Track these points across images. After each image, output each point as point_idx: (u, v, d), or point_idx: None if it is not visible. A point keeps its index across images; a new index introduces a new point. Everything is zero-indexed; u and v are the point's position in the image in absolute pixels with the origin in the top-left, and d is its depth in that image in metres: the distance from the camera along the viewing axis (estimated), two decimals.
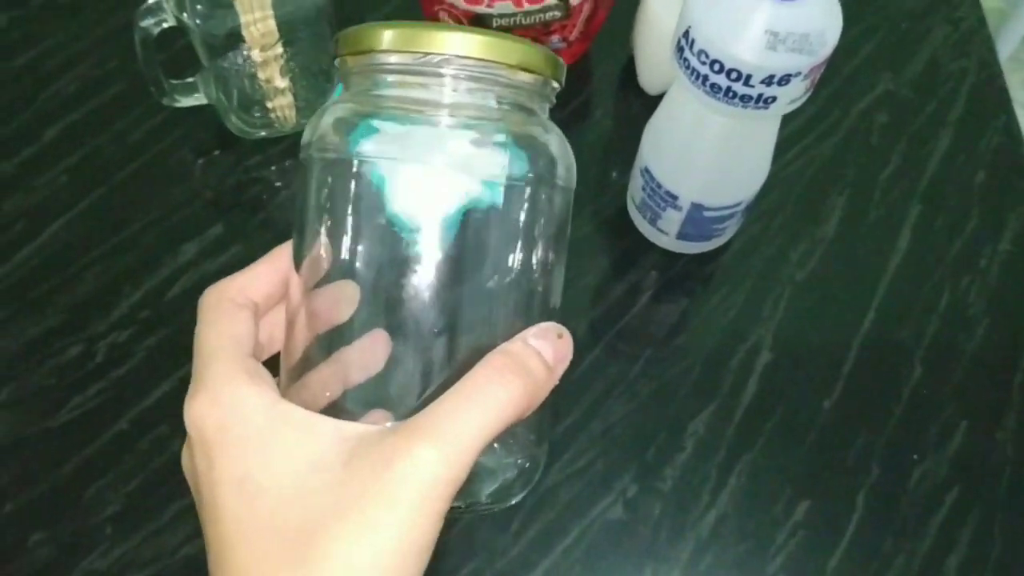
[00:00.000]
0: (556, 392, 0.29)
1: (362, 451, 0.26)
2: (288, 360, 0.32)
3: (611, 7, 0.59)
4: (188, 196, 0.56)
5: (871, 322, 0.55)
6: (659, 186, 0.51)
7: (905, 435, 0.52)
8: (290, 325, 0.32)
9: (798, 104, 0.44)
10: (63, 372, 0.51)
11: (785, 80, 0.42)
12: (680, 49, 0.44)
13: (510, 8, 0.56)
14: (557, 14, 0.57)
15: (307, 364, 0.31)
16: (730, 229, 0.54)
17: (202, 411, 0.28)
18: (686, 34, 0.43)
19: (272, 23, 0.50)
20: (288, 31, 0.52)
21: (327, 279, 0.30)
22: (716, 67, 0.42)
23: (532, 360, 0.28)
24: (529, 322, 0.30)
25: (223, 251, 0.55)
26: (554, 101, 0.33)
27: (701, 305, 0.55)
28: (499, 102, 0.30)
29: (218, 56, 0.52)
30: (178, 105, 0.56)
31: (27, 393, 0.51)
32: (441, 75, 0.29)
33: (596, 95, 0.63)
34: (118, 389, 0.51)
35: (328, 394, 0.30)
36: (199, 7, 0.49)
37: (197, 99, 0.56)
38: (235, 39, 0.51)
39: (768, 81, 0.42)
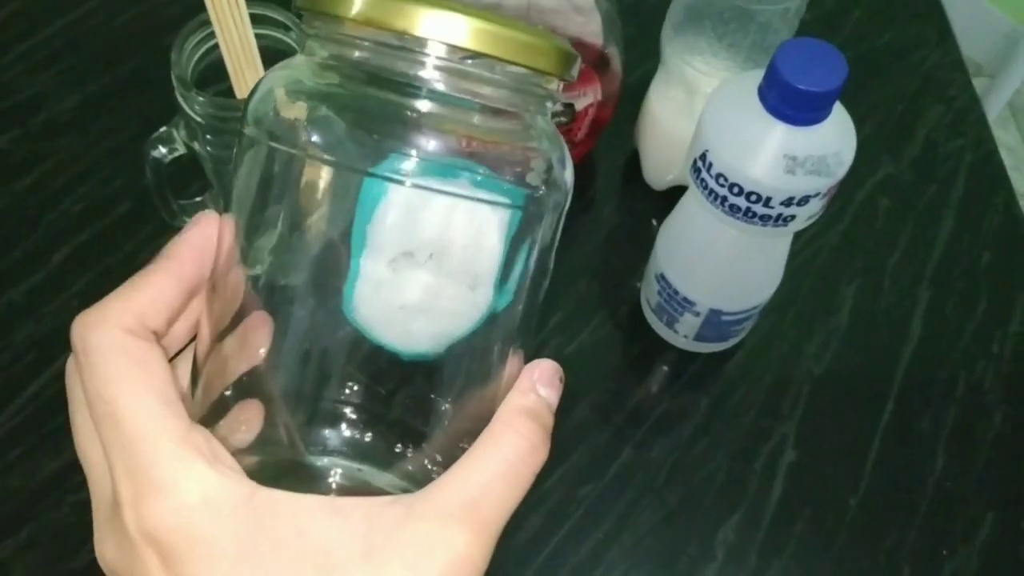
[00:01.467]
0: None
1: (382, 539, 0.23)
2: (207, 384, 0.26)
3: (615, 107, 0.59)
4: None
5: (891, 413, 0.55)
6: (676, 292, 0.52)
7: (933, 530, 0.52)
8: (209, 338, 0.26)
9: (815, 219, 0.44)
10: (84, 509, 0.50)
11: (804, 201, 0.42)
12: (697, 170, 0.44)
13: None
14: (563, 120, 0.57)
15: (224, 402, 0.26)
16: (747, 328, 0.55)
17: (160, 518, 0.22)
18: (703, 156, 0.43)
19: None
20: None
21: (271, 293, 0.26)
22: (735, 190, 0.43)
23: (548, 417, 0.27)
24: (520, 344, 0.28)
25: None
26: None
27: (722, 405, 0.55)
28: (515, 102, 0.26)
29: (227, 179, 0.52)
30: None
31: (47, 533, 0.49)
32: (431, 67, 0.24)
33: (602, 191, 0.63)
34: None
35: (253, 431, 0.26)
36: (209, 136, 0.49)
37: None
38: None
39: (787, 203, 0.42)
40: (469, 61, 0.25)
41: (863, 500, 0.52)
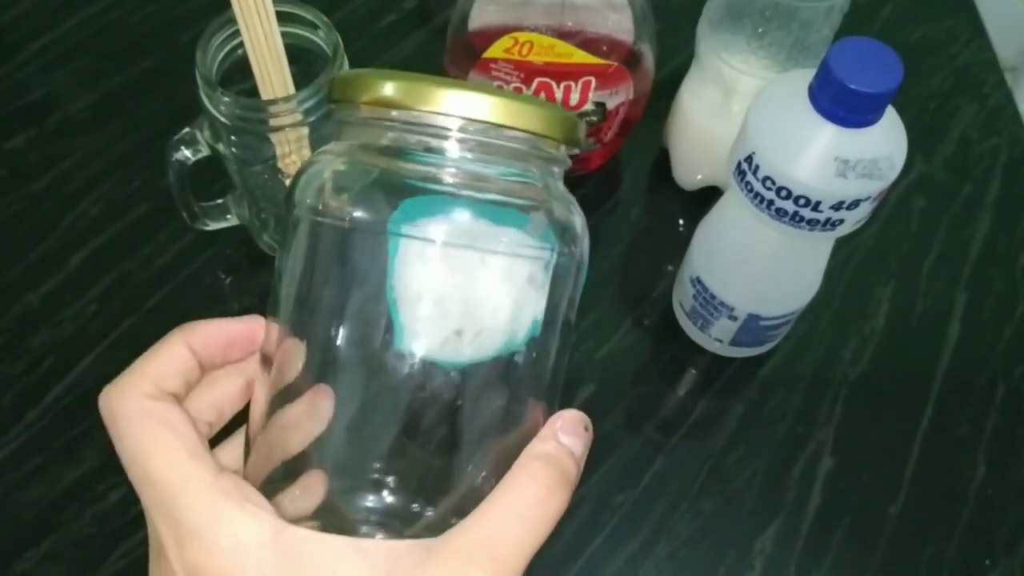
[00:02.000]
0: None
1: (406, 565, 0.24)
2: (264, 453, 0.28)
3: (646, 107, 0.58)
4: None
5: (929, 419, 0.54)
6: (713, 297, 0.50)
7: (975, 539, 0.50)
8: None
9: (863, 223, 0.43)
10: (105, 519, 0.49)
11: (854, 205, 0.41)
12: (741, 173, 0.43)
13: None
14: (594, 119, 0.56)
15: (286, 471, 0.28)
16: (783, 333, 0.53)
17: (198, 562, 0.24)
18: (749, 159, 0.42)
19: (308, 152, 0.49)
20: None
21: (321, 368, 0.28)
22: (783, 193, 0.41)
23: (568, 463, 0.27)
24: (544, 397, 0.29)
25: None
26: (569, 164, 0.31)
27: (757, 411, 0.54)
28: (529, 174, 0.29)
29: (253, 181, 0.51)
30: (208, 228, 0.54)
31: (68, 544, 0.48)
32: (468, 141, 0.27)
33: (631, 192, 0.62)
34: None
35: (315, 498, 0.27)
36: (234, 137, 0.48)
37: (228, 221, 0.55)
38: (271, 165, 0.49)
39: (837, 207, 0.41)
40: (483, 132, 0.27)
41: (903, 509, 0.51)
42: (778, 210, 0.42)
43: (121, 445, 0.26)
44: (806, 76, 0.41)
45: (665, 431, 0.53)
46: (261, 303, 0.55)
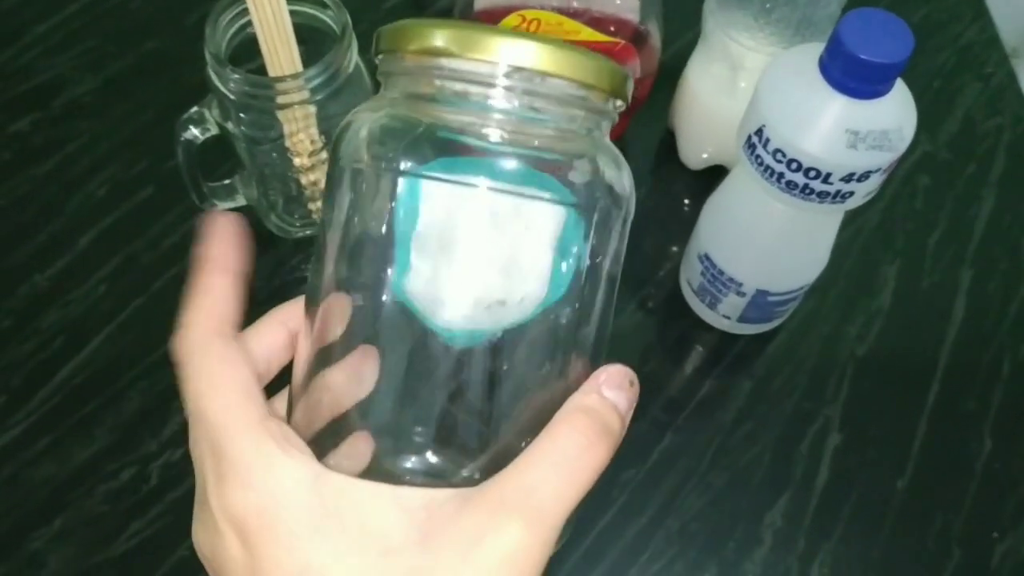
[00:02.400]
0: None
1: (438, 527, 0.24)
2: (310, 413, 0.28)
3: (652, 86, 0.58)
4: None
5: (936, 395, 0.54)
6: (721, 273, 0.50)
7: (983, 512, 0.51)
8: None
9: (872, 195, 0.43)
10: (117, 497, 0.49)
11: (865, 176, 0.41)
12: (751, 146, 0.43)
13: None
14: None
15: (333, 431, 0.28)
16: (791, 309, 0.54)
17: (237, 499, 0.24)
18: (759, 132, 0.42)
19: (316, 131, 0.49)
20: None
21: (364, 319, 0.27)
22: (793, 166, 0.41)
23: (612, 417, 0.26)
24: (589, 354, 0.28)
25: None
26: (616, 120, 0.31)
27: (765, 387, 0.54)
28: (575, 124, 0.28)
29: (261, 160, 0.51)
30: (216, 209, 0.54)
31: (81, 522, 0.48)
32: (514, 91, 0.26)
33: (636, 172, 0.60)
34: (176, 513, 0.49)
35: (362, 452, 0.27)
36: (243, 115, 0.48)
37: (236, 201, 0.55)
38: (280, 144, 0.49)
39: (848, 179, 0.41)
40: (531, 80, 0.27)
41: (910, 483, 0.51)
42: (788, 183, 0.42)
43: (184, 383, 0.27)
44: (816, 49, 0.41)
45: (673, 409, 0.53)
46: (269, 284, 0.56)
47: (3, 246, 0.56)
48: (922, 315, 0.57)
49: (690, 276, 0.54)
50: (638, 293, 0.57)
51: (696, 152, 0.59)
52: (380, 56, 0.29)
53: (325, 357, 0.28)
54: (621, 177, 0.29)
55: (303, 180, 0.51)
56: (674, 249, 0.58)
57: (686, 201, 0.60)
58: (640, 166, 0.62)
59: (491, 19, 0.54)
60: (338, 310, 0.28)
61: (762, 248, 0.48)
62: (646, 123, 0.62)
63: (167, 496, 0.49)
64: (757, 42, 0.50)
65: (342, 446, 0.27)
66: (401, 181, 0.27)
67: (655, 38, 0.55)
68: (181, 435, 0.50)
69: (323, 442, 0.27)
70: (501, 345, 0.27)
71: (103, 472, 0.49)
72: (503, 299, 0.27)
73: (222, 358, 0.27)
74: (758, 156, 0.43)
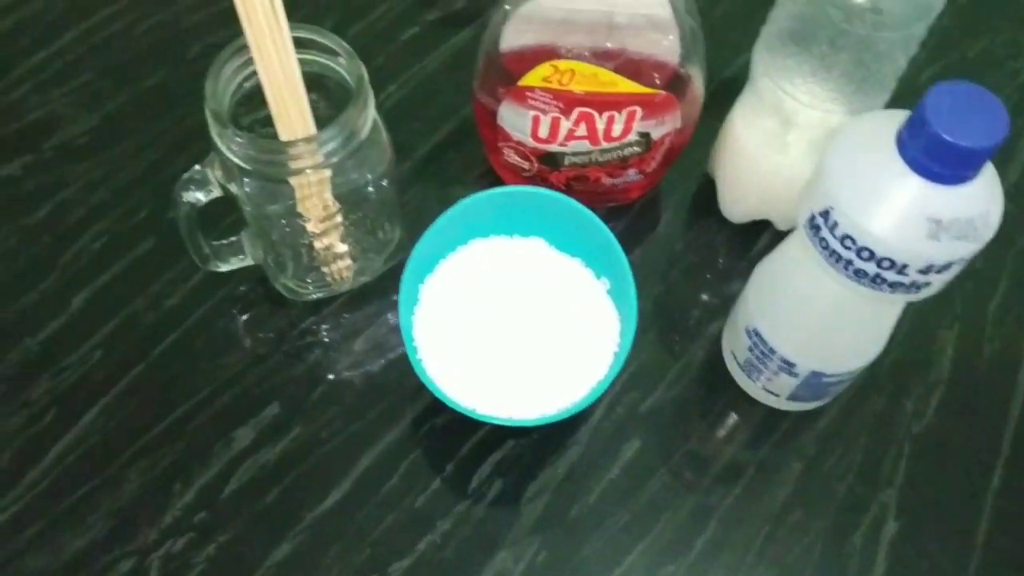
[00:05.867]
0: None
1: None
2: None
3: (692, 135, 0.53)
4: (237, 370, 0.50)
5: (1000, 478, 0.50)
6: (772, 351, 0.46)
7: None
8: None
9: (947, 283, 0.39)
10: None
11: (945, 268, 0.37)
12: (815, 227, 0.39)
13: (586, 146, 0.51)
14: (637, 150, 0.51)
15: None
16: (845, 386, 0.49)
17: None
18: (825, 214, 0.38)
19: (330, 196, 0.45)
20: (350, 200, 0.46)
21: None
22: (864, 254, 0.37)
23: None
24: None
25: (282, 435, 0.49)
26: None
27: (815, 469, 0.50)
28: None
29: (269, 225, 0.46)
30: (221, 270, 0.50)
31: None
32: None
33: (673, 225, 0.57)
34: None
35: None
36: (247, 180, 0.44)
37: (242, 261, 0.50)
38: (290, 207, 0.45)
39: (926, 270, 0.37)
40: None
41: None
42: (857, 271, 0.38)
43: None
44: (891, 119, 0.36)
45: (716, 493, 0.49)
46: (278, 349, 0.52)
47: None
48: (983, 386, 0.53)
49: (735, 348, 0.50)
50: (678, 360, 0.52)
51: (739, 206, 0.55)
52: None
53: None
54: None
55: (316, 244, 0.47)
56: (717, 310, 0.54)
57: (728, 258, 0.56)
58: (677, 217, 0.57)
59: (519, 61, 0.49)
60: None
61: (820, 329, 0.44)
62: (683, 170, 0.57)
63: None
64: (815, 97, 0.46)
65: None
66: None
67: (697, 83, 0.50)
68: (184, 522, 0.47)
69: None
70: None
71: (98, 565, 0.45)
72: None
73: None
74: (823, 239, 0.38)
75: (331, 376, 0.51)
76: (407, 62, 0.61)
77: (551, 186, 0.54)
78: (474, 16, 0.64)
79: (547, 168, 0.53)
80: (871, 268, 0.37)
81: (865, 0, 0.42)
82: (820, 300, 0.43)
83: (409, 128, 0.59)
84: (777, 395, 0.49)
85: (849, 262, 0.38)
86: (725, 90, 0.55)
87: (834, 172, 0.37)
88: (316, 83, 0.45)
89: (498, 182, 0.57)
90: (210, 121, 0.42)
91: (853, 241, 0.37)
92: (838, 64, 0.44)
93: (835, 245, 0.38)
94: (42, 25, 0.62)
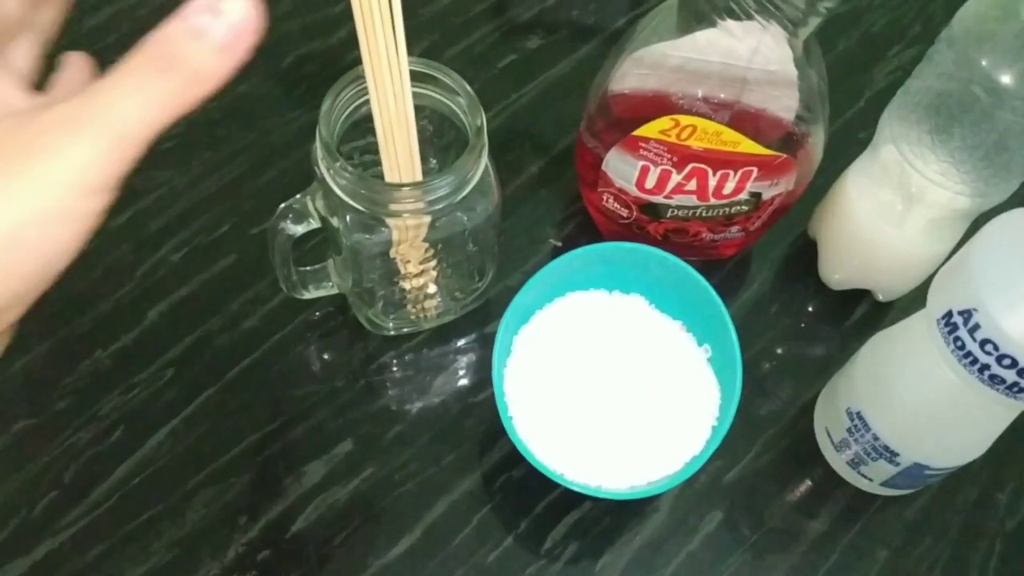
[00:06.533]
0: None
1: (12, 126, 0.24)
2: None
3: (801, 195, 0.51)
4: (312, 402, 0.49)
5: None
6: (875, 438, 0.44)
7: None
8: None
9: None
10: None
11: None
12: (951, 326, 0.37)
13: (692, 201, 0.49)
14: (745, 208, 0.49)
15: None
16: (942, 477, 0.47)
17: None
18: (966, 315, 0.36)
19: (424, 244, 0.43)
20: (451, 244, 0.44)
21: None
22: (1005, 362, 0.35)
23: (191, 43, 0.24)
24: None
25: (354, 473, 0.47)
26: None
27: (901, 560, 0.48)
28: None
29: (363, 260, 0.45)
30: (306, 297, 0.48)
31: None
32: None
33: (768, 285, 0.55)
34: None
35: None
36: (349, 216, 0.42)
37: (327, 289, 0.49)
38: (387, 242, 0.43)
39: None
40: None
41: None
42: (992, 376, 0.36)
43: None
44: None
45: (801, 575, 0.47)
46: (355, 383, 0.50)
47: (65, 312, 0.50)
48: None
49: (831, 425, 0.48)
50: (767, 431, 0.50)
51: (842, 274, 0.53)
52: None
53: None
54: None
55: (406, 285, 0.46)
56: (812, 382, 0.51)
57: (823, 325, 0.54)
58: (771, 278, 0.55)
59: (628, 105, 0.47)
60: None
61: (934, 424, 0.42)
62: (780, 228, 0.55)
63: None
64: (948, 179, 0.43)
65: None
66: None
67: (817, 146, 0.48)
68: (247, 559, 0.45)
69: None
70: None
71: None
72: None
73: None
74: (958, 339, 0.36)
75: (408, 416, 0.49)
76: (503, 91, 0.59)
77: (648, 235, 0.52)
78: (577, 45, 0.62)
79: (647, 218, 0.51)
80: (1010, 376, 0.35)
81: (1017, 85, 0.39)
82: (939, 395, 0.40)
83: (501, 160, 0.57)
84: (870, 480, 0.47)
85: (986, 366, 0.36)
86: (831, 145, 0.52)
87: (982, 271, 0.35)
88: (424, 115, 0.43)
89: (589, 223, 0.55)
90: (320, 153, 0.40)
91: (995, 347, 0.35)
92: (981, 147, 0.41)
93: (973, 347, 0.36)
94: (135, 21, 0.60)
